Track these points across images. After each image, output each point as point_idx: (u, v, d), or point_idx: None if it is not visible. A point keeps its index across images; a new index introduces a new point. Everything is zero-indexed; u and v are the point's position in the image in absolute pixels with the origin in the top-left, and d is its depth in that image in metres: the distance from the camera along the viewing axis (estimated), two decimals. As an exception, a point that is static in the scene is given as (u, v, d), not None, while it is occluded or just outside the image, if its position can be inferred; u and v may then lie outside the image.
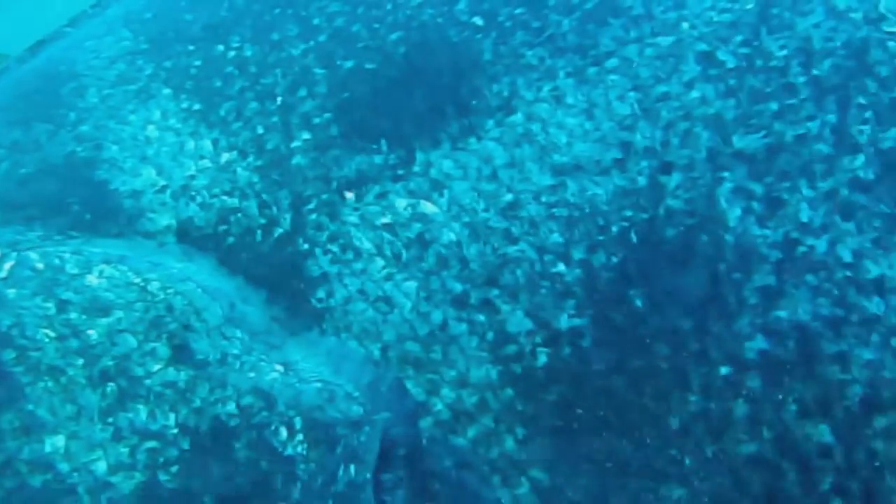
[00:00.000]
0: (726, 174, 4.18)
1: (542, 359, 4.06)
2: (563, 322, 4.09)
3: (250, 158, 4.41)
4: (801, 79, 4.25)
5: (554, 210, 4.24)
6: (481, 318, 4.11)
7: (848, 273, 3.96)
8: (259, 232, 4.27)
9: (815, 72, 4.25)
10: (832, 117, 4.15)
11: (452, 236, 4.24)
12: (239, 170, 4.39)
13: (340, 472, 3.74)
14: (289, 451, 3.74)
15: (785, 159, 4.16)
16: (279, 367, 3.91)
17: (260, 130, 4.45)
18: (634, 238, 4.16)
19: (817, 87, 4.22)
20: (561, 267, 4.16)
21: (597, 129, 4.32)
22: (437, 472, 3.96)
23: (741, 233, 4.09)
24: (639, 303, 4.07)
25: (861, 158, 4.12)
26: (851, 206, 4.05)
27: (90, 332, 3.85)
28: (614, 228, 4.19)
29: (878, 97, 4.18)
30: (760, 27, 4.40)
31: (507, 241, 4.21)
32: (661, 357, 3.99)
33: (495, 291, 4.14)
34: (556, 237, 4.20)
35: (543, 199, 4.27)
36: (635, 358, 4.01)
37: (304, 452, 3.75)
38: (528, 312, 4.11)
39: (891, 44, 4.28)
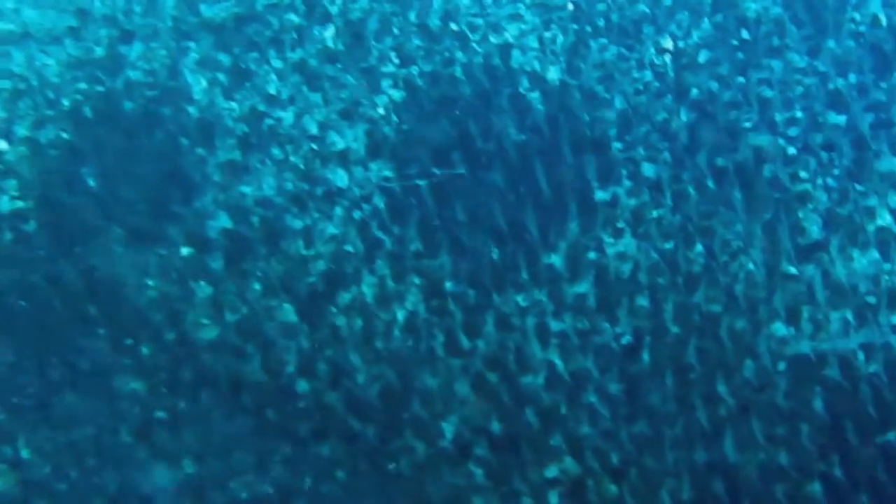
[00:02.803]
0: (191, 44, 3.89)
1: (-23, 247, 3.58)
2: (4, 205, 3.63)
3: None
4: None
5: (-4, 82, 3.78)
6: None
7: (314, 146, 3.79)
8: None
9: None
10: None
11: None
12: None
13: None
14: None
15: (254, 29, 3.93)
16: None
17: None
18: (89, 112, 3.77)
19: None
20: (2, 145, 3.69)
21: (50, -7, 3.89)
22: None
23: (206, 105, 3.81)
24: (92, 182, 3.68)
25: (331, 28, 3.96)
26: (319, 77, 3.87)
27: None
28: (66, 102, 3.77)
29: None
30: None
31: (-64, 116, 3.68)
32: (118, 240, 3.65)
33: (-80, 172, 3.61)
34: (-2, 112, 3.74)
35: (-16, 69, 3.78)
36: (79, 245, 3.64)
37: None
38: (-40, 196, 3.61)
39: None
